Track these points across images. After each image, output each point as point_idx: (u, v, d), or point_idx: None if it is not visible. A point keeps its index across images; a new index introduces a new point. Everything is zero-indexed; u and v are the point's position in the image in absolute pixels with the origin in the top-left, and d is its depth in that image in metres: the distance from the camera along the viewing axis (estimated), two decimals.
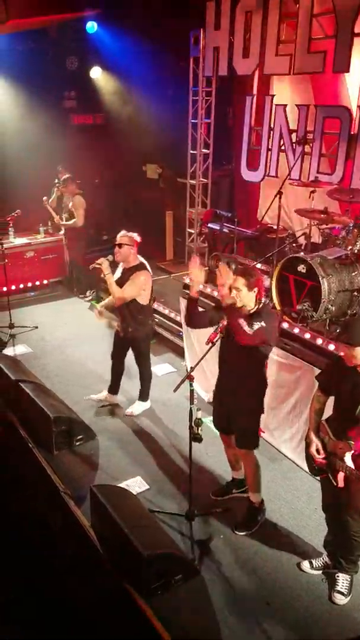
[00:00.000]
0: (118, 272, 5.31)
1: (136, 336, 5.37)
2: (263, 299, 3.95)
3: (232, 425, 4.20)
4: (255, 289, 3.83)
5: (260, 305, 3.91)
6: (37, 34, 9.06)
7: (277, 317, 4.12)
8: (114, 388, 5.74)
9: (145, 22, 8.80)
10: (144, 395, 5.68)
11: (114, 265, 5.27)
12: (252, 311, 3.87)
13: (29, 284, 8.67)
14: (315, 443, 3.53)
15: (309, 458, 3.60)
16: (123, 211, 10.75)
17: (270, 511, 4.37)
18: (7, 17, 7.27)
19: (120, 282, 5.18)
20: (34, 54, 9.17)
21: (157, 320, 7.07)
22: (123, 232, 5.20)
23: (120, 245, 5.15)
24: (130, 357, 5.60)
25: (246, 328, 3.71)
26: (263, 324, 3.75)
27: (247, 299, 3.84)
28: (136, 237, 5.18)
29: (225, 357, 4.10)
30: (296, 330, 4.97)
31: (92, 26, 9.28)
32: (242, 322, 3.73)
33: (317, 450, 3.52)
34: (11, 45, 8.83)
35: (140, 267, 5.25)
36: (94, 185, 9.56)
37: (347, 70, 5.98)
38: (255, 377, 4.03)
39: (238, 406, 4.09)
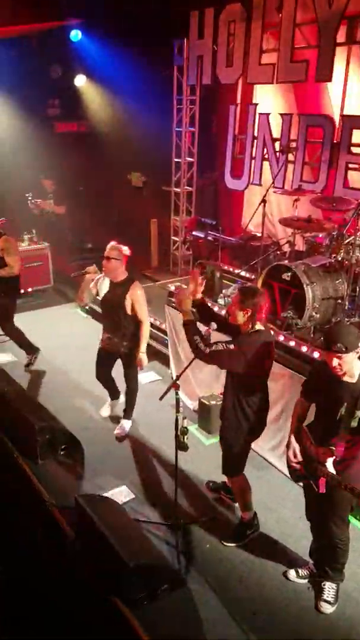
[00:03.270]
0: (105, 286, 5.06)
1: (127, 352, 5.12)
2: (258, 325, 3.72)
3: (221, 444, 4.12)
4: (249, 311, 3.63)
5: (253, 330, 3.69)
6: (20, 42, 9.07)
7: (261, 347, 3.67)
8: (114, 393, 5.63)
9: (129, 30, 8.84)
10: (130, 413, 5.48)
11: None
12: (243, 332, 3.73)
13: None
14: (293, 447, 3.53)
15: (289, 462, 3.60)
16: (107, 219, 10.77)
17: None
18: None
19: (111, 297, 5.00)
20: (17, 62, 9.17)
21: None
22: (113, 244, 4.97)
23: (108, 259, 4.91)
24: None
25: (201, 345, 3.59)
26: (232, 346, 3.59)
27: (239, 317, 3.70)
28: (126, 250, 4.96)
29: (226, 374, 3.95)
30: (281, 338, 4.99)
31: (76, 34, 9.30)
32: (197, 338, 3.62)
33: (294, 454, 3.51)
34: None
35: (131, 281, 5.01)
36: (78, 193, 9.55)
37: (330, 80, 6.06)
38: (242, 405, 3.80)
39: (224, 431, 3.99)
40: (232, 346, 3.60)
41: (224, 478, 4.52)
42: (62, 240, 9.23)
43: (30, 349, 6.71)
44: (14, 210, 8.48)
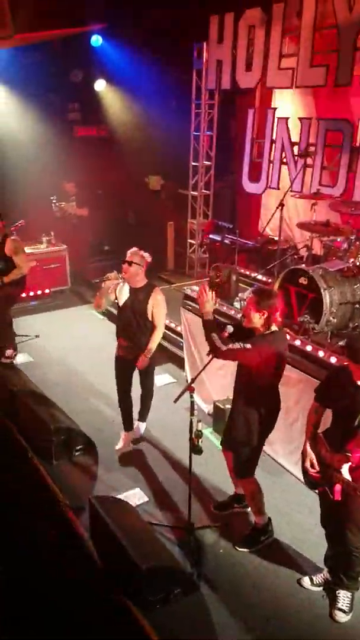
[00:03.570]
0: (125, 292, 4.94)
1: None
2: (274, 327, 3.76)
3: (232, 446, 4.12)
4: (265, 313, 3.67)
5: (268, 332, 3.74)
6: (42, 46, 9.15)
7: (276, 348, 3.75)
8: (129, 424, 5.34)
9: (149, 35, 8.90)
10: (145, 415, 5.43)
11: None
12: (258, 334, 3.76)
13: (31, 293, 8.67)
14: (310, 457, 3.50)
15: (306, 471, 3.57)
16: (125, 222, 10.82)
17: None
18: (14, 32, 7.34)
19: (131, 304, 4.88)
20: (38, 66, 9.26)
21: None
22: (134, 250, 4.87)
23: (130, 263, 4.79)
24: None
25: (218, 343, 3.66)
26: (248, 346, 3.62)
27: (254, 320, 3.73)
28: (147, 257, 4.87)
29: (237, 374, 4.00)
30: (297, 343, 4.95)
31: (97, 40, 9.37)
32: (215, 337, 3.69)
33: (312, 465, 3.49)
34: (16, 58, 8.91)
35: (151, 286, 4.96)
36: (96, 196, 9.62)
37: (350, 84, 6.02)
38: (254, 406, 3.83)
39: (236, 431, 3.99)
40: (248, 345, 3.64)
41: (233, 489, 4.51)
42: (84, 243, 9.31)
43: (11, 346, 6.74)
44: (33, 212, 8.55)
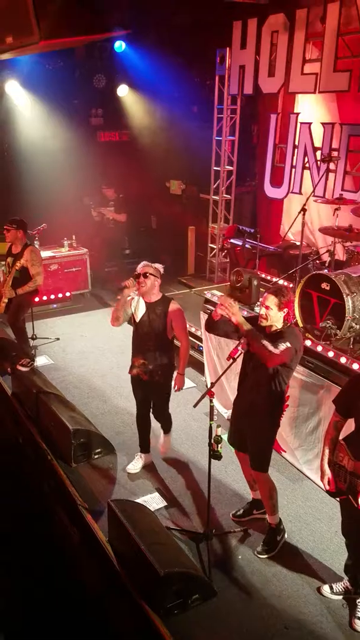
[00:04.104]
0: (142, 307, 4.58)
1: (161, 379, 4.68)
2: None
3: (247, 444, 4.12)
4: (286, 310, 3.78)
5: (286, 326, 3.85)
6: (66, 52, 9.24)
7: (301, 338, 3.99)
8: (146, 445, 5.08)
9: (172, 41, 8.94)
10: (169, 429, 5.13)
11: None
12: (276, 331, 3.82)
13: (52, 296, 8.76)
14: (327, 475, 3.48)
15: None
16: (146, 226, 10.88)
17: (290, 533, 4.29)
18: (40, 39, 7.43)
19: (148, 319, 4.54)
20: (62, 72, 9.37)
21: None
22: (145, 263, 4.55)
23: (145, 275, 4.43)
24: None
25: (271, 348, 3.63)
26: (288, 344, 3.68)
27: (275, 318, 3.79)
28: (161, 267, 4.57)
29: (247, 374, 4.04)
30: (319, 348, 4.91)
31: (120, 46, 9.45)
32: (266, 343, 3.64)
33: (329, 483, 3.47)
34: (40, 64, 9.03)
35: (168, 300, 4.63)
36: (118, 201, 9.69)
37: None
38: (272, 399, 3.91)
39: (253, 426, 4.02)
40: (288, 344, 3.68)
41: (250, 496, 4.50)
42: (117, 247, 9.44)
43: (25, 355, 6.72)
44: (56, 216, 8.64)
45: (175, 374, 4.73)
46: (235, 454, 4.37)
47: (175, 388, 4.73)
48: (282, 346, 3.66)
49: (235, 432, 4.23)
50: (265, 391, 3.89)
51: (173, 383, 4.73)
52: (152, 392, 4.80)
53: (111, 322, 4.63)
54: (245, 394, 4.06)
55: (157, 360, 4.61)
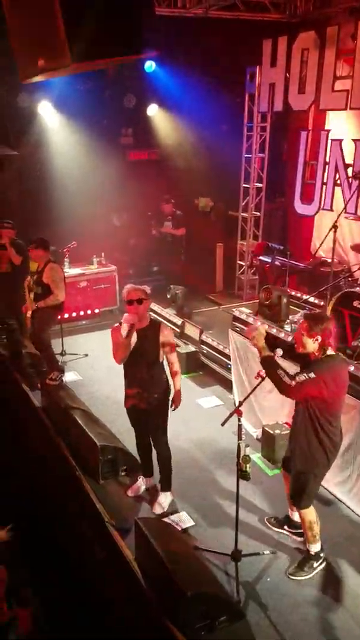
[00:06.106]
0: (133, 337, 4.27)
1: (159, 404, 4.49)
2: (330, 351, 3.66)
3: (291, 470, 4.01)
4: (319, 338, 3.59)
5: (324, 355, 3.65)
6: (96, 72, 9.41)
7: (341, 368, 3.71)
8: (149, 469, 4.98)
9: (202, 59, 9.04)
10: (167, 484, 4.78)
11: None
12: (315, 359, 3.68)
13: (81, 313, 8.84)
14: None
15: None
16: (173, 243, 10.92)
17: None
18: (72, 62, 7.63)
19: (141, 346, 4.32)
20: (93, 92, 9.54)
21: (204, 351, 7.04)
22: (131, 286, 4.36)
23: (140, 302, 4.26)
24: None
25: (286, 379, 3.52)
26: (313, 375, 3.51)
27: (307, 344, 3.65)
28: (148, 289, 4.38)
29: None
30: (351, 368, 4.81)
31: (150, 66, 9.60)
32: (282, 373, 3.57)
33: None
34: (71, 85, 9.22)
35: (157, 323, 4.52)
36: (147, 218, 9.77)
37: None
38: (318, 435, 3.70)
39: (297, 459, 3.88)
40: (312, 374, 3.52)
41: (286, 512, 4.39)
42: (176, 260, 9.36)
43: (56, 367, 6.74)
44: (86, 233, 8.77)
45: (171, 394, 4.57)
46: (282, 472, 4.30)
47: (173, 407, 4.57)
48: (302, 377, 3.52)
49: (287, 452, 4.15)
50: (305, 424, 3.73)
51: (170, 402, 4.57)
52: (150, 418, 4.59)
53: (118, 362, 4.40)
54: (295, 420, 3.92)
55: (154, 386, 4.45)
